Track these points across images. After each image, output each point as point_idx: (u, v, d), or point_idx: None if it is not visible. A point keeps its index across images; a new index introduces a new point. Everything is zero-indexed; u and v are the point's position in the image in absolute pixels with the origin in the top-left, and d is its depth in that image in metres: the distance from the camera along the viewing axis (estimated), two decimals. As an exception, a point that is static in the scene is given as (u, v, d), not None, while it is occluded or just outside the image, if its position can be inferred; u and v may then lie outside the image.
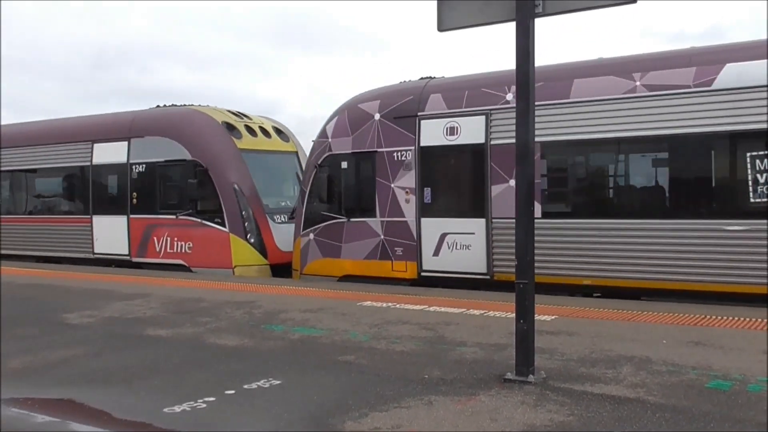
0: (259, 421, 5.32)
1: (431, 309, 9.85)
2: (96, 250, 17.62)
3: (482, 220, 12.10)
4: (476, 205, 12.29)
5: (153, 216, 16.49)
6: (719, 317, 8.78)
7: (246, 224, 15.37)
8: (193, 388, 6.20)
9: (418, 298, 10.88)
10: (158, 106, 17.77)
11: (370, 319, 9.17)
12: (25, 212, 19.65)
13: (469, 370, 6.58)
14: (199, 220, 15.72)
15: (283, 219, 15.94)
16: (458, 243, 12.45)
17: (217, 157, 15.78)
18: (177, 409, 5.60)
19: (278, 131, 17.59)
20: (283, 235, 15.65)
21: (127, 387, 6.36)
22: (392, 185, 13.14)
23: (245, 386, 6.20)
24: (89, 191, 17.85)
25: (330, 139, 14.08)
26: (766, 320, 8.46)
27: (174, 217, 16.02)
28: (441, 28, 6.63)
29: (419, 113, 12.94)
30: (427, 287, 12.28)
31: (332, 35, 61.49)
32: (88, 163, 17.90)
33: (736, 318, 8.70)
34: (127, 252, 16.97)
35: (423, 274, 12.84)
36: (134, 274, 15.24)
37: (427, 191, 12.85)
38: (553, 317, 8.96)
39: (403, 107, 13.16)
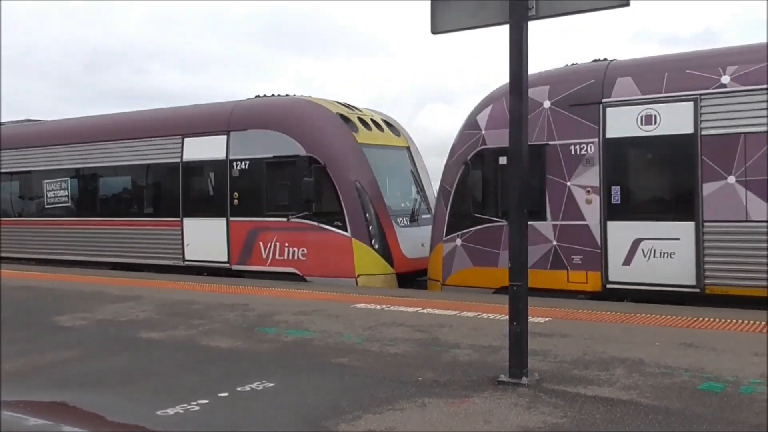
0: (253, 423, 5.31)
1: (425, 311, 9.85)
2: (187, 257, 15.72)
3: (690, 224, 10.50)
4: (682, 206, 10.66)
5: (258, 219, 14.58)
6: (711, 319, 8.80)
7: (370, 228, 13.62)
8: (187, 390, 6.19)
9: (411, 300, 10.87)
10: (257, 96, 15.87)
11: (364, 321, 9.16)
12: (96, 215, 17.58)
13: (462, 372, 6.58)
14: (315, 224, 13.84)
15: (406, 222, 14.37)
16: (658, 250, 10.71)
17: (336, 152, 14.04)
18: (170, 411, 5.59)
19: (388, 124, 15.82)
20: (407, 240, 14.09)
21: (121, 389, 6.34)
22: (568, 183, 11.39)
23: (239, 388, 6.19)
24: (179, 191, 15.87)
25: (483, 131, 12.28)
26: (765, 323, 8.48)
27: (285, 219, 14.17)
28: (435, 30, 6.64)
29: (604, 100, 11.20)
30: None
31: (330, 36, 61.52)
32: (178, 160, 15.87)
33: (728, 320, 8.72)
34: (225, 259, 15.08)
35: (609, 286, 11.16)
36: (127, 276, 15.16)
37: (616, 190, 11.11)
38: (546, 319, 8.97)
39: (582, 93, 11.44)
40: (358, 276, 13.54)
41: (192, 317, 9.84)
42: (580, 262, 11.36)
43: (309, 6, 59.39)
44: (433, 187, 15.55)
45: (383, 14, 63.22)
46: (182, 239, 15.80)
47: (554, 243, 11.58)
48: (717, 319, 8.77)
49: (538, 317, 8.91)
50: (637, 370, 6.46)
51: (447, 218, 12.69)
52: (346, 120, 14.66)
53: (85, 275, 15.47)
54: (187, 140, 15.81)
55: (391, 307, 10.20)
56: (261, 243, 14.56)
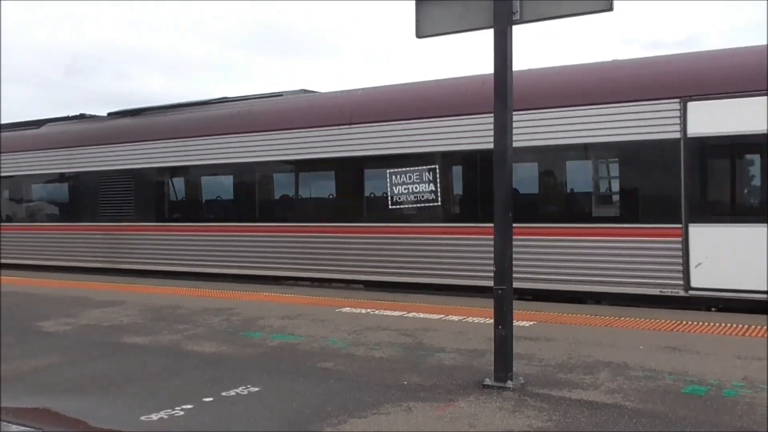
0: (238, 428, 5.29)
1: (410, 315, 9.84)
2: (695, 284, 10.22)
3: None
4: None
5: None
6: (695, 323, 8.86)
7: None
8: (171, 395, 6.16)
9: (396, 304, 10.87)
10: None
11: (349, 326, 9.15)
12: (477, 219, 11.94)
13: (447, 376, 6.59)
14: None
15: None
16: None
17: None
18: (154, 417, 5.56)
19: None
20: None
21: (104, 395, 6.30)
22: None
23: (223, 393, 6.16)
24: (678, 183, 10.30)
25: None
26: (746, 327, 8.55)
27: None
28: (419, 34, 6.66)
29: None
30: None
31: (315, 39, 61.44)
32: (674, 136, 10.30)
33: (711, 324, 8.79)
34: None
35: None
36: (111, 281, 15.02)
37: None
38: (531, 323, 8.99)
39: None
40: None
41: (177, 322, 9.79)
42: None
43: (294, 9, 59.35)
44: None
45: (369, 18, 63.29)
46: (685, 256, 10.34)
47: None
48: (700, 323, 8.83)
49: (523, 321, 8.93)
50: (622, 373, 6.49)
51: None
52: None
53: (66, 280, 15.31)
54: (692, 105, 10.29)
55: (376, 311, 10.19)
56: None
